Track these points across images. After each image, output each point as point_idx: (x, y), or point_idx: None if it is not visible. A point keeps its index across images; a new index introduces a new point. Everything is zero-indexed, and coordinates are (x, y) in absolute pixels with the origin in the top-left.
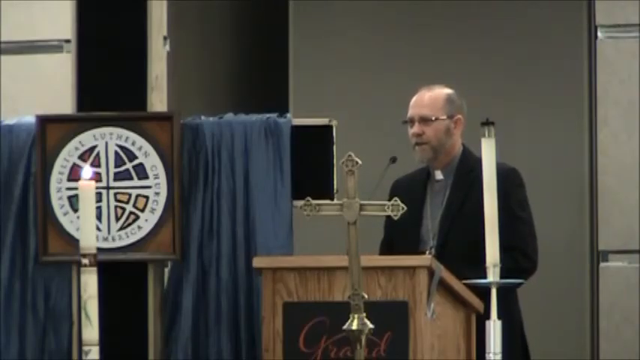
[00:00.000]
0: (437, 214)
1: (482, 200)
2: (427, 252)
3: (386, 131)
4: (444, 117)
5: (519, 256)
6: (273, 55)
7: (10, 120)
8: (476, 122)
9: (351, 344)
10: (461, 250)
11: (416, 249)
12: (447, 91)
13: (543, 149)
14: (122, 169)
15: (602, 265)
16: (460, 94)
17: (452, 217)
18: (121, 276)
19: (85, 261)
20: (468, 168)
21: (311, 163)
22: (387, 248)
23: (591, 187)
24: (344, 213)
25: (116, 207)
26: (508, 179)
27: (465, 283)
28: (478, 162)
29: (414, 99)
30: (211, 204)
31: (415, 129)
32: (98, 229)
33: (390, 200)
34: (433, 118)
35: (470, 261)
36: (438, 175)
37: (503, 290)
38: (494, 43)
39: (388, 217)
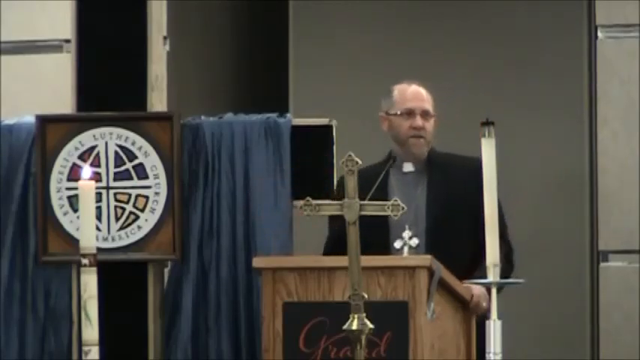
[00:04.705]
0: (411, 204)
1: (467, 192)
2: (405, 243)
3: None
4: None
5: (502, 259)
6: (273, 55)
7: (10, 120)
8: (476, 122)
9: (351, 344)
10: (452, 239)
11: (385, 239)
12: None
13: (543, 149)
14: (122, 169)
15: (602, 265)
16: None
17: (440, 209)
18: (121, 276)
19: (85, 261)
20: (441, 161)
21: (311, 163)
22: (338, 243)
23: (591, 187)
24: (344, 213)
25: (116, 207)
26: None
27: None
28: (446, 156)
29: (410, 92)
30: (211, 204)
31: (419, 121)
32: (98, 229)
33: (338, 194)
34: (433, 114)
35: (461, 253)
36: (408, 167)
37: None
38: (495, 44)
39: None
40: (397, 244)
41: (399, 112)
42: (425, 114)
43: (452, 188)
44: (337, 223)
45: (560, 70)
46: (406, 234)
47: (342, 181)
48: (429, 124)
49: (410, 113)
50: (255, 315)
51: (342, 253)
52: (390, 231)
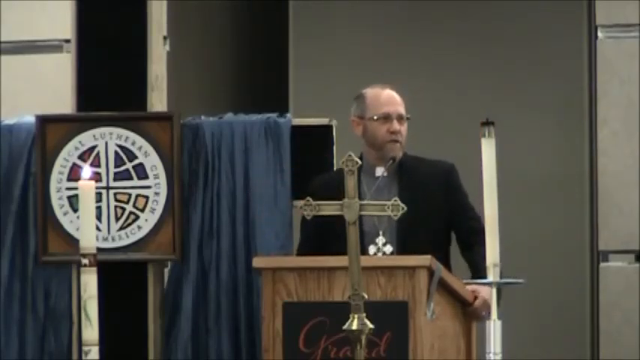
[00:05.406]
0: None
1: (435, 195)
2: (379, 249)
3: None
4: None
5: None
6: (273, 55)
7: (10, 120)
8: (476, 122)
9: (351, 344)
10: (424, 243)
11: (360, 245)
12: None
13: (543, 149)
14: (122, 169)
15: (602, 265)
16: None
17: (411, 213)
18: (121, 276)
19: (85, 261)
20: (411, 165)
21: (311, 163)
22: (313, 246)
23: (591, 187)
24: (344, 213)
25: (116, 207)
26: (454, 175)
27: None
28: (416, 160)
29: (384, 96)
30: (211, 204)
31: (396, 126)
32: (98, 229)
33: (311, 198)
34: (407, 117)
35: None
36: (380, 171)
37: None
38: (494, 44)
39: (315, 216)
40: (371, 250)
41: (375, 117)
42: (400, 118)
43: (422, 192)
44: (310, 225)
45: (560, 70)
46: (380, 240)
47: (321, 184)
48: (404, 128)
49: (386, 117)
50: (255, 315)
51: (316, 254)
52: (364, 236)
